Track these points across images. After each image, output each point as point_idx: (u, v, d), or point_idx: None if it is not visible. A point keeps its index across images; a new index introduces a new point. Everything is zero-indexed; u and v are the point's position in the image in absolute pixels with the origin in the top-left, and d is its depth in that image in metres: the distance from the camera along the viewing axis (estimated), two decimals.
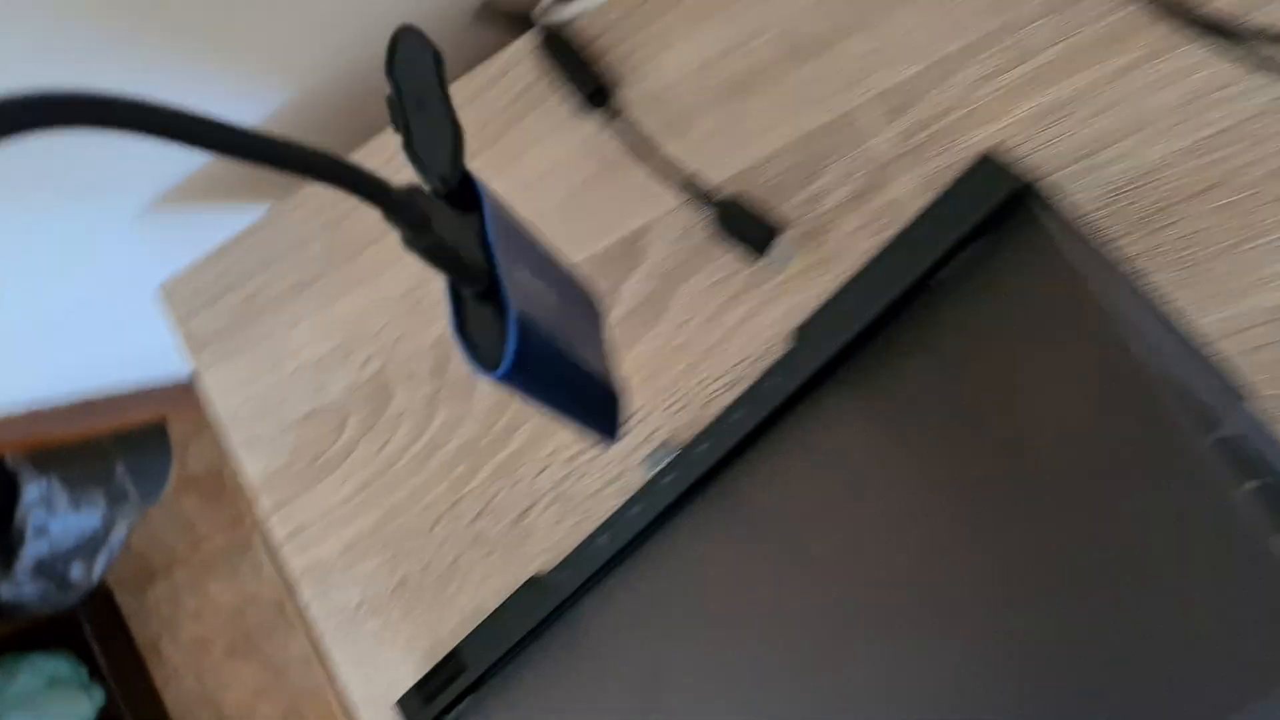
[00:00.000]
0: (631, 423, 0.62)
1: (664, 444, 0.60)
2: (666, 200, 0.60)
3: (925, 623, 0.43)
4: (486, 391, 0.65)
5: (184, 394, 1.11)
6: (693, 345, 0.61)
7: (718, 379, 0.61)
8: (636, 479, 0.63)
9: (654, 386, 0.62)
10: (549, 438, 0.64)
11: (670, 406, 0.62)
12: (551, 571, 0.60)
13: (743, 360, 0.60)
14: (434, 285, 0.67)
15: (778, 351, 0.56)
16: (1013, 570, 0.41)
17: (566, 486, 0.64)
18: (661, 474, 0.54)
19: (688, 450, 0.53)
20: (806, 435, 0.53)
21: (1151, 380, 0.38)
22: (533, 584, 0.60)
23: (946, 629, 0.42)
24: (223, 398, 0.72)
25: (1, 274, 0.71)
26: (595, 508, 0.64)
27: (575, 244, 0.62)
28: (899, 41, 0.56)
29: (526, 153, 0.64)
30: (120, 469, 0.97)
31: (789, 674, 0.48)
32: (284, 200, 0.71)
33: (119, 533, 1.00)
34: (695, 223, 0.60)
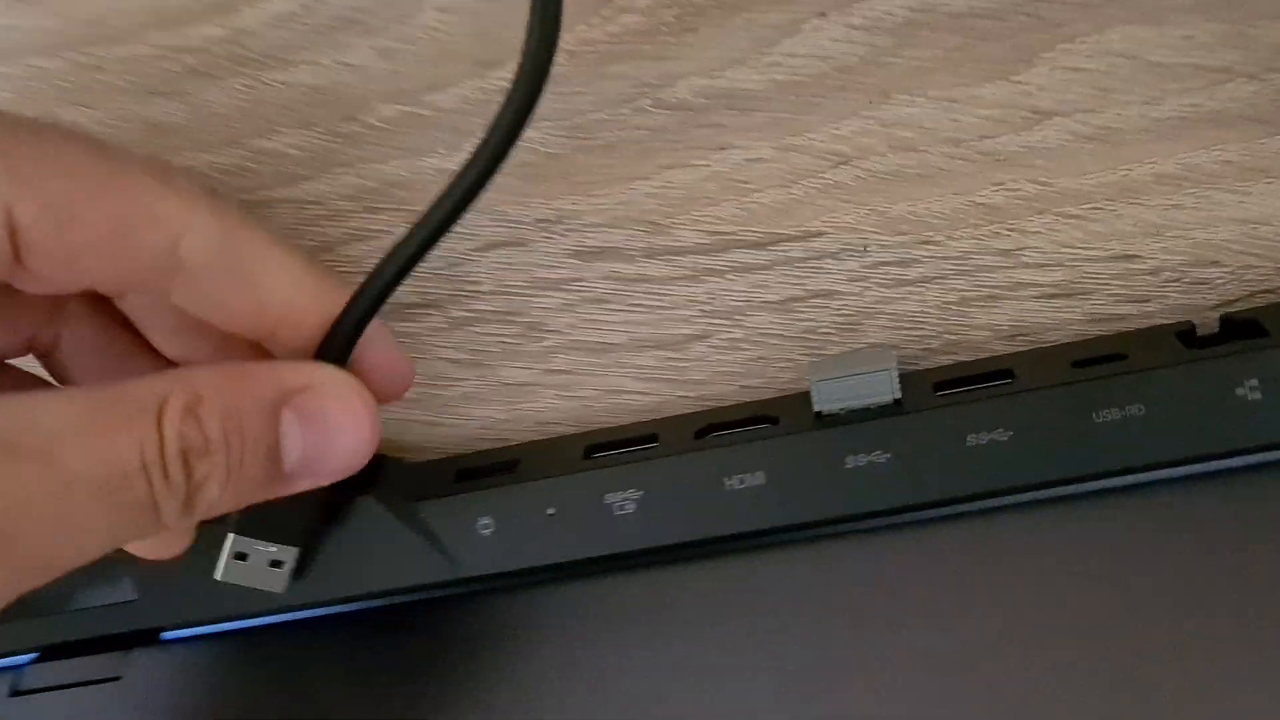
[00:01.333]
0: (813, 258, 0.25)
1: (895, 362, 0.24)
2: None
3: None
4: None
5: None
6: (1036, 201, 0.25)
7: (1045, 295, 0.25)
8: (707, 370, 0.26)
9: (885, 208, 0.25)
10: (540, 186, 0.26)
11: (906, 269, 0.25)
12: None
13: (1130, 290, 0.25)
14: None
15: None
16: None
17: (533, 303, 0.26)
18: (842, 427, 0.25)
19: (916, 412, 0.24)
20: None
21: None
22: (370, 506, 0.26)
23: None
24: None
25: None
26: (586, 377, 0.27)
27: None
28: None
29: None
30: None
31: None
32: None
33: None
34: None
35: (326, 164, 0.26)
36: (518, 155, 0.25)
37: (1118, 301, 0.25)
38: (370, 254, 0.26)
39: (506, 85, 0.24)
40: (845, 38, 0.24)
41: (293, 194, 0.26)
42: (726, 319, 0.26)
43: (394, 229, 0.26)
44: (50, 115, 0.26)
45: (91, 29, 0.25)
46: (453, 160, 0.25)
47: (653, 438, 0.26)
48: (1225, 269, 0.25)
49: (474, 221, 0.26)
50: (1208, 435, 0.23)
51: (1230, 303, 0.25)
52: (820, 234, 0.25)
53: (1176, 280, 0.25)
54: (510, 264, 0.26)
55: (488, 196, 0.25)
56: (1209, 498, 0.23)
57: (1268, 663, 0.22)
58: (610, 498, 0.25)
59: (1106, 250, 0.25)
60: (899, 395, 0.24)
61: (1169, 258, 0.25)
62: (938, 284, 0.26)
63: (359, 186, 0.26)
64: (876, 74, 0.24)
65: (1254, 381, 0.23)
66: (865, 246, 0.25)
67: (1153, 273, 0.25)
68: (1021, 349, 0.26)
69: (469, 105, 0.25)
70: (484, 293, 0.27)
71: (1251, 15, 0.23)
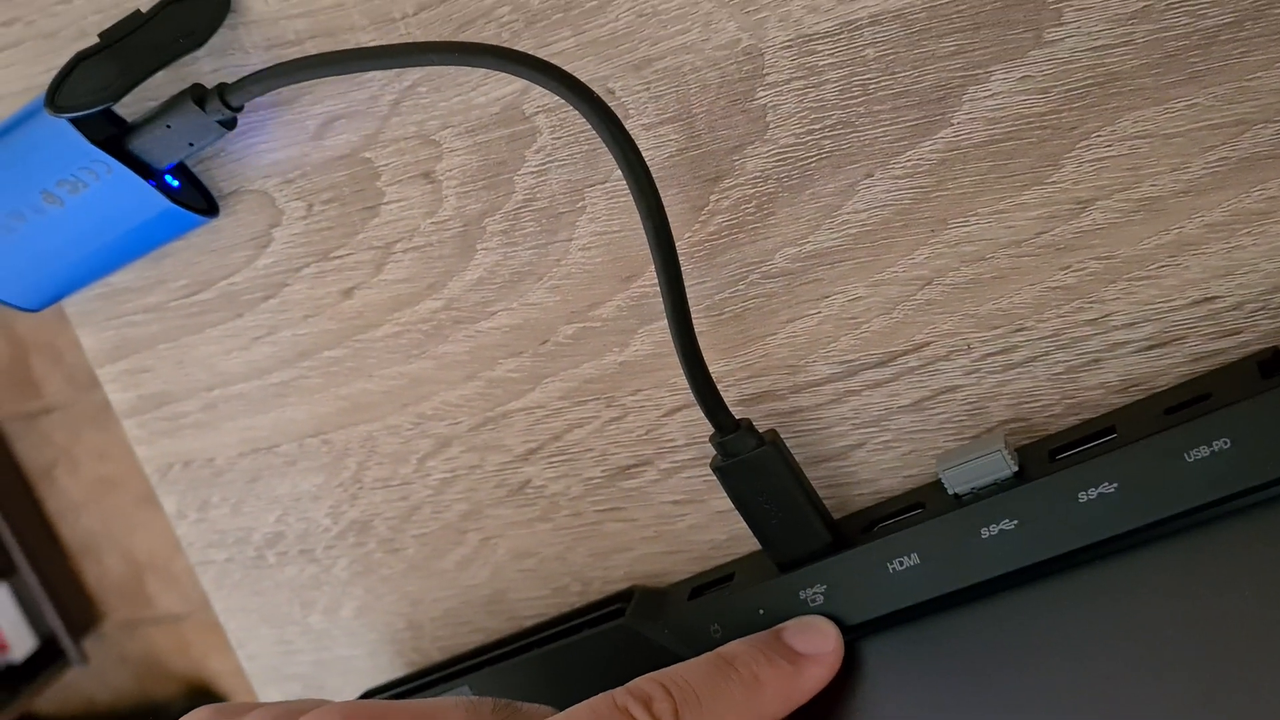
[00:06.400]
0: (920, 349, 0.30)
1: (1004, 442, 0.28)
2: None
3: None
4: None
5: None
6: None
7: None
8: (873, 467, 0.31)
9: (974, 310, 0.29)
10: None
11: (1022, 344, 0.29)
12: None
13: None
14: None
15: None
16: None
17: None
18: (973, 504, 0.28)
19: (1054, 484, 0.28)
20: None
21: None
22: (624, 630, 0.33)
23: None
24: None
25: None
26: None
27: None
28: None
29: None
30: None
31: None
32: None
33: None
34: None
35: (538, 377, 0.33)
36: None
37: (1212, 339, 0.28)
38: (586, 437, 0.34)
39: (645, 290, 0.31)
40: (893, 188, 0.28)
41: (523, 404, 0.34)
42: (875, 427, 0.31)
43: (599, 415, 0.33)
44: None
45: (356, 320, 0.35)
46: (625, 353, 0.32)
47: (833, 535, 0.31)
48: None
49: (655, 394, 0.33)
50: None
51: None
52: (927, 343, 0.30)
53: (1262, 308, 0.27)
54: (695, 420, 0.33)
55: (661, 372, 0.32)
56: None
57: None
58: (804, 593, 0.30)
59: (1185, 298, 0.28)
60: (1016, 468, 0.28)
61: (1247, 291, 0.27)
62: (1042, 361, 0.29)
63: (564, 389, 0.33)
64: (929, 208, 0.28)
65: None
66: (968, 345, 0.29)
67: (1237, 307, 0.27)
68: (1133, 399, 0.29)
69: (623, 311, 0.32)
70: (680, 445, 0.33)
71: (1245, 71, 0.25)
